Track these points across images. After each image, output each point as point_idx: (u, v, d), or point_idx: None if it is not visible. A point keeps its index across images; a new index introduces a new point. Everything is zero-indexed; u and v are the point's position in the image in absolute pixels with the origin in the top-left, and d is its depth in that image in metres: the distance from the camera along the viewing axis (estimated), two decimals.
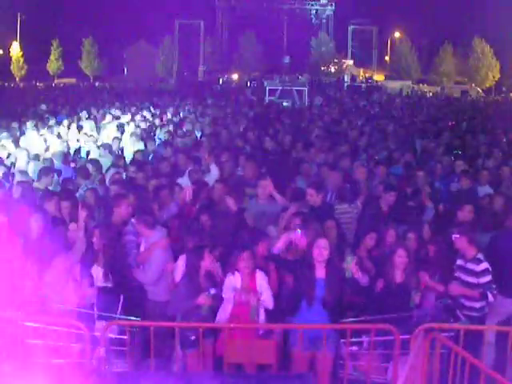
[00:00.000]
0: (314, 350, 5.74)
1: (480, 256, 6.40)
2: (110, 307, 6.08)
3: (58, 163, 10.26)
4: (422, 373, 5.22)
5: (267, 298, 5.91)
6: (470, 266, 6.36)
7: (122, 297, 6.17)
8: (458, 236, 6.45)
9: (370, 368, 5.61)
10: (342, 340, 5.70)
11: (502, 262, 6.61)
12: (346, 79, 53.52)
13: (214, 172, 9.42)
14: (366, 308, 6.25)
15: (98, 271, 6.32)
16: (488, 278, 6.28)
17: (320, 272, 5.83)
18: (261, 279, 5.96)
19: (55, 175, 9.32)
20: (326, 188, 8.63)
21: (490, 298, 6.25)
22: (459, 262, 6.51)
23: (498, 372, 4.56)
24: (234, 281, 5.94)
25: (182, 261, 6.18)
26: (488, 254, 6.60)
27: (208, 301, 5.75)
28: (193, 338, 5.69)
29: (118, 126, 15.19)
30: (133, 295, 6.44)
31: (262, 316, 5.93)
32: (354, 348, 5.81)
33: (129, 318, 6.05)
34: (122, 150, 12.76)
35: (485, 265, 6.32)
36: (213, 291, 5.81)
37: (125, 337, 5.54)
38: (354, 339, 5.71)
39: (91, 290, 6.18)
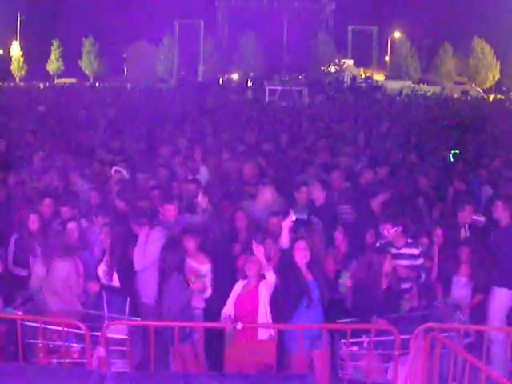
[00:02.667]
0: (311, 349, 5.73)
1: (410, 240, 6.72)
2: (118, 308, 6.06)
3: None
4: (422, 373, 5.21)
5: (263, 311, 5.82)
6: (408, 250, 6.60)
7: (128, 298, 6.14)
8: (392, 228, 6.53)
9: (370, 368, 5.61)
10: (342, 340, 5.70)
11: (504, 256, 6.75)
12: (345, 79, 53.44)
13: (204, 174, 9.46)
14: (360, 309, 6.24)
15: (103, 270, 6.32)
16: (422, 259, 6.67)
17: (307, 274, 5.83)
18: (263, 290, 5.79)
19: None
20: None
21: (423, 277, 6.62)
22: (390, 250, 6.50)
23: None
24: (239, 285, 5.89)
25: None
26: (491, 248, 6.93)
27: (203, 285, 5.84)
28: (187, 330, 5.75)
29: None
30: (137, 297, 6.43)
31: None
32: (354, 348, 5.80)
33: (129, 318, 6.04)
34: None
35: (420, 247, 6.74)
36: (203, 272, 5.91)
37: (125, 337, 5.54)
38: (354, 339, 5.70)
39: (95, 287, 6.17)
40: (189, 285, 5.88)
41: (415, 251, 6.64)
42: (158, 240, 6.44)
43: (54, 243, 6.39)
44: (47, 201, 7.50)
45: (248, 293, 5.81)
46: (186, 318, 5.88)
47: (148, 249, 6.38)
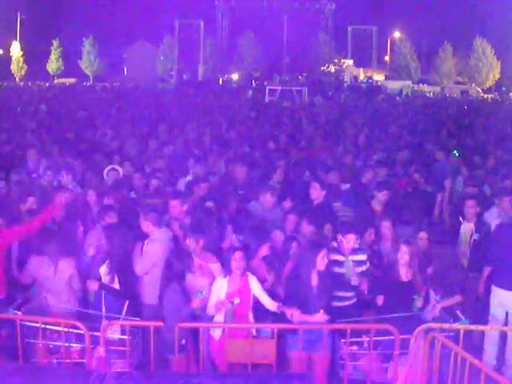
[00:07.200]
0: (311, 351, 5.73)
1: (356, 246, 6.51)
2: (117, 309, 6.03)
3: None
4: (422, 373, 5.22)
5: (267, 301, 5.87)
6: (356, 257, 6.37)
7: (127, 301, 6.08)
8: (355, 239, 6.33)
9: (370, 368, 5.61)
10: (342, 340, 5.70)
11: (502, 255, 6.64)
12: (345, 79, 53.41)
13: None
14: (368, 307, 6.25)
15: (105, 271, 6.27)
16: (369, 265, 6.47)
17: (314, 280, 5.79)
18: (254, 282, 5.89)
19: None
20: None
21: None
22: (336, 256, 6.32)
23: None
24: (223, 282, 5.88)
25: None
26: (488, 245, 6.85)
27: (202, 303, 5.74)
28: (183, 342, 5.68)
29: None
30: (137, 299, 6.39)
31: (251, 318, 5.90)
32: (354, 348, 5.80)
33: (129, 318, 6.02)
34: None
35: (367, 253, 6.53)
36: (204, 292, 5.79)
37: (125, 337, 5.53)
38: (354, 339, 5.70)
39: (94, 286, 6.13)
40: (188, 298, 5.79)
41: (362, 257, 6.45)
42: (158, 241, 6.43)
43: (57, 243, 6.32)
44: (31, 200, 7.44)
45: (239, 288, 5.82)
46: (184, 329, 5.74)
47: (147, 252, 6.36)
